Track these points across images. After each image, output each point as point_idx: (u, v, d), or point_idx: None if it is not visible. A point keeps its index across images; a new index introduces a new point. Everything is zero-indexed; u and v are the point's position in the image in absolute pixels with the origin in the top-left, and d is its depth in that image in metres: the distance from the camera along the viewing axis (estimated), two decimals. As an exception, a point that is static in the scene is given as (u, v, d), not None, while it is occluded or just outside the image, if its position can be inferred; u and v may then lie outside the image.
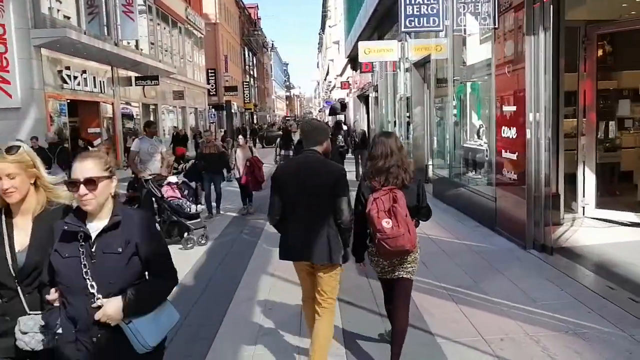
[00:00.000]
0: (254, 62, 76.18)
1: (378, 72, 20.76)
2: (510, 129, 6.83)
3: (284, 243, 3.60)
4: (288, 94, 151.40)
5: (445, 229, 8.10)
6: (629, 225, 7.21)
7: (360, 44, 14.98)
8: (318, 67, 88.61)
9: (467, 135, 9.75)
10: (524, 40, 6.27)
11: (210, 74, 46.60)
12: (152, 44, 28.03)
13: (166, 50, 31.83)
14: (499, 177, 7.35)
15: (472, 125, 9.65)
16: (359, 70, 27.29)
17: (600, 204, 7.56)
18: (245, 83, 62.59)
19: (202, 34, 41.15)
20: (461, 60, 9.76)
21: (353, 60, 28.42)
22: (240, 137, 11.02)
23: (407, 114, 15.20)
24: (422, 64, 13.48)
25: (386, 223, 3.25)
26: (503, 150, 7.10)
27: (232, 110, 49.62)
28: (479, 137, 9.19)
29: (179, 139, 23.88)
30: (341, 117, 41.95)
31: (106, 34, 22.05)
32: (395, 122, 18.08)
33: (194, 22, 37.54)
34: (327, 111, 51.18)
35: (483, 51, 8.64)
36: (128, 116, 25.29)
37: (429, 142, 13.72)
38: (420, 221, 3.69)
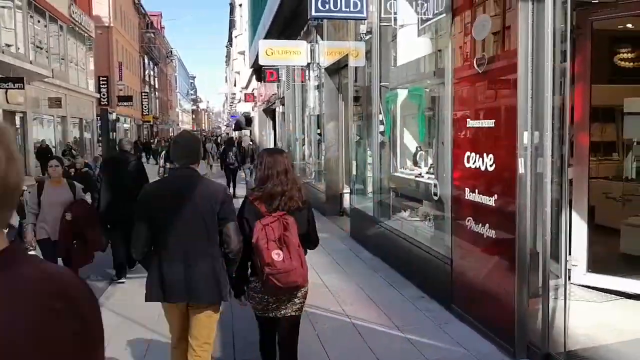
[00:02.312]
0: (156, 72, 71.66)
1: (284, 83, 18.11)
2: (481, 156, 4.29)
3: (156, 281, 3.02)
4: (195, 107, 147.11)
5: (372, 301, 5.48)
6: (635, 298, 4.95)
7: (260, 42, 12.28)
8: (226, 81, 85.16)
9: (397, 160, 7.22)
10: (517, 21, 3.78)
11: (102, 82, 42.24)
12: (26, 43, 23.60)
13: (40, 48, 27.40)
14: (458, 229, 4.80)
15: (405, 147, 7.15)
16: (264, 82, 24.55)
17: (592, 265, 5.25)
18: (144, 94, 58.21)
19: (92, 36, 36.71)
20: (391, 59, 7.27)
21: (258, 71, 25.62)
22: (53, 163, 5.58)
23: (318, 131, 12.61)
24: (336, 70, 10.95)
25: (277, 255, 2.90)
26: (467, 188, 4.55)
27: (116, 122, 45.26)
28: (416, 164, 6.70)
29: (43, 156, 19.80)
30: (247, 132, 39.23)
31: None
32: (304, 139, 15.46)
33: (79, 22, 33.15)
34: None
35: (426, 46, 6.19)
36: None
37: (345, 165, 11.16)
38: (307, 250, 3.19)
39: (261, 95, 28.36)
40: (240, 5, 41.30)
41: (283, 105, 19.66)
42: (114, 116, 41.43)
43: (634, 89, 6.26)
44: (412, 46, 6.40)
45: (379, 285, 6.04)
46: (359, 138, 8.97)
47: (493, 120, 4.12)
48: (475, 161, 4.39)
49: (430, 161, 6.43)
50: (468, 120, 4.50)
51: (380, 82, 7.40)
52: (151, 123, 60.15)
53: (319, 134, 12.51)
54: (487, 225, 4.23)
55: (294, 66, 15.32)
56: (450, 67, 4.87)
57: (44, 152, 20.62)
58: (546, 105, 3.57)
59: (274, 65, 17.73)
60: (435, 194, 5.42)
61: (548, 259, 3.71)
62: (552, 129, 3.60)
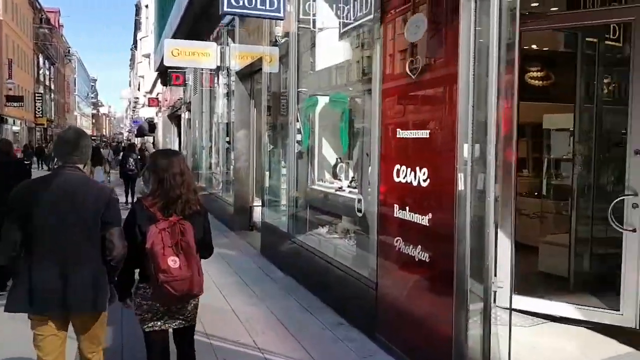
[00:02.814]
0: (52, 72, 66.95)
1: (191, 87, 17.16)
2: (413, 170, 3.86)
3: (23, 289, 2.72)
4: (95, 111, 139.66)
5: (286, 329, 4.90)
6: (561, 322, 4.76)
7: (166, 42, 11.37)
8: (130, 85, 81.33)
9: (315, 172, 6.71)
10: (457, 25, 3.39)
11: (-13, 79, 38.69)
12: None
13: None
14: (385, 250, 4.34)
15: (323, 158, 6.67)
16: (169, 85, 23.31)
17: (517, 287, 5.00)
18: (37, 94, 54.11)
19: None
20: (310, 63, 6.77)
21: (163, 74, 24.31)
22: None
23: (227, 139, 11.88)
24: (248, 74, 10.32)
25: (173, 262, 2.77)
26: (396, 205, 4.10)
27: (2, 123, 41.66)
28: (335, 177, 6.23)
29: None
30: (150, 138, 37.34)
31: None
32: (211, 147, 14.62)
33: (-39, 12, 30.02)
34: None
35: (350, 49, 5.76)
36: None
37: (256, 176, 10.52)
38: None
39: (166, 100, 26.99)
40: (147, 6, 39.49)
41: (189, 111, 18.66)
42: None
43: (545, 107, 6.23)
44: (334, 50, 5.95)
45: (293, 310, 5.46)
46: (273, 147, 8.39)
47: (428, 131, 3.70)
48: (405, 175, 3.96)
49: (351, 174, 5.98)
50: (398, 130, 4.06)
51: (297, 87, 6.88)
52: (45, 126, 56.00)
53: (228, 142, 11.79)
54: (420, 246, 3.80)
55: (202, 70, 14.50)
56: (378, 72, 4.42)
57: None
58: (490, 115, 3.19)
59: (180, 68, 16.77)
60: (360, 210, 4.95)
61: (490, 284, 3.32)
62: (497, 142, 3.22)
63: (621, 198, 4.47)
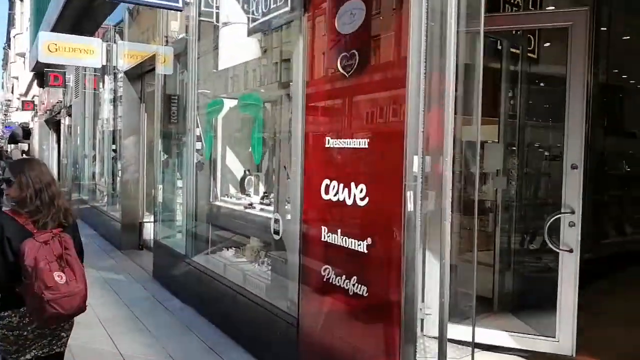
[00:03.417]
0: None
1: (72, 89, 15.47)
2: (347, 186, 3.24)
3: None
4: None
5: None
6: (493, 350, 4.37)
7: (41, 34, 9.98)
8: (2, 87, 74.10)
9: (217, 186, 5.90)
10: (405, 11, 2.83)
11: None
12: None
13: None
14: (309, 280, 3.67)
15: (228, 170, 5.89)
16: (46, 87, 21.10)
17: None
18: None
19: None
20: (213, 61, 5.96)
21: (40, 75, 22.00)
22: None
23: (113, 147, 10.63)
24: (138, 76, 9.26)
25: (59, 278, 2.57)
26: (325, 227, 3.46)
27: None
28: (243, 191, 5.48)
29: None
30: (24, 145, 33.91)
31: None
32: (94, 156, 13.16)
33: None
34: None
35: (263, 43, 5.06)
36: None
37: (146, 189, 9.44)
38: None
39: (43, 104, 24.49)
40: (22, 0, 36.02)
41: (70, 115, 16.87)
42: None
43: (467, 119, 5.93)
44: (242, 46, 5.20)
45: (195, 351, 4.61)
46: (167, 157, 7.44)
47: (366, 140, 3.10)
48: (337, 192, 3.33)
49: (262, 189, 5.27)
50: (327, 139, 3.43)
51: (197, 89, 6.06)
52: None
53: (114, 151, 10.56)
54: (355, 278, 3.18)
55: (86, 70, 13.06)
56: (300, 70, 3.76)
57: None
58: (447, 121, 2.65)
59: (59, 67, 15.09)
60: (276, 232, 4.24)
61: (446, 320, 2.77)
62: (454, 154, 2.69)
63: (557, 216, 4.17)
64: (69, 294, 2.60)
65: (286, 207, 4.21)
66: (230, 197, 5.45)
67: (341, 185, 3.29)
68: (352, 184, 3.19)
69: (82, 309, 2.73)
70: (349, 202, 3.21)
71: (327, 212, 3.45)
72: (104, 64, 10.28)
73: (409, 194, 2.76)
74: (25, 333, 2.69)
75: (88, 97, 13.63)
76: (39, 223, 2.69)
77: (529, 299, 4.98)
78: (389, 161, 2.94)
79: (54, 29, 13.19)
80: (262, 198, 4.98)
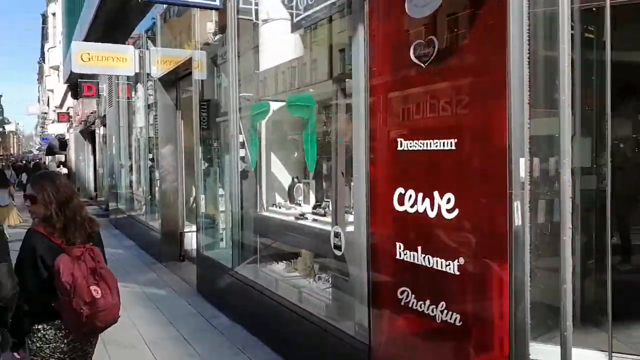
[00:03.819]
0: (-53, 87, 61.23)
1: (106, 99, 15.36)
2: (429, 195, 2.76)
3: None
4: (1, 130, 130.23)
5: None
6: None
7: (74, 45, 9.79)
8: (39, 101, 75.91)
9: (264, 196, 5.48)
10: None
11: None
12: None
13: None
14: (381, 301, 3.21)
15: (274, 177, 5.47)
16: (80, 98, 21.18)
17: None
18: None
19: None
20: (255, 63, 5.54)
21: (74, 87, 22.14)
22: None
23: (150, 156, 10.37)
24: (173, 82, 8.95)
25: (95, 292, 2.56)
26: (401, 244, 2.99)
27: None
28: (292, 200, 5.05)
29: None
30: (61, 157, 34.40)
31: None
32: (131, 166, 12.97)
33: None
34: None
35: (313, 38, 4.63)
36: None
37: (185, 199, 9.14)
38: None
39: (78, 115, 24.66)
40: (54, 14, 36.59)
41: (104, 125, 16.80)
42: None
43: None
44: (288, 40, 4.76)
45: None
46: (208, 165, 7.08)
47: (452, 141, 2.62)
48: (414, 203, 2.86)
49: (312, 197, 4.83)
50: (400, 140, 2.96)
51: (239, 92, 5.67)
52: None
53: (151, 160, 10.29)
54: (444, 303, 2.70)
55: (119, 78, 12.89)
56: (362, 63, 3.30)
57: None
58: (564, 114, 2.16)
59: (92, 77, 15.02)
60: (338, 247, 3.78)
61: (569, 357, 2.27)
62: (572, 153, 2.19)
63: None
64: (105, 307, 2.61)
65: (347, 218, 3.75)
66: (279, 207, 5.04)
67: (420, 194, 2.83)
68: (436, 193, 2.71)
69: (116, 320, 2.77)
70: (432, 214, 2.74)
71: (403, 226, 2.99)
72: (137, 71, 10.04)
73: (516, 205, 2.27)
74: (62, 346, 2.70)
75: (122, 106, 13.46)
76: (67, 238, 2.68)
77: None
78: (485, 165, 2.47)
79: (86, 39, 13.09)
80: (315, 208, 4.54)
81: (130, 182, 13.06)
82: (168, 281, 7.61)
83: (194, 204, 9.42)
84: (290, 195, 5.08)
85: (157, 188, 9.95)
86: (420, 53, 2.81)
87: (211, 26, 6.91)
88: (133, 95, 12.61)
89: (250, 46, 5.69)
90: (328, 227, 4.02)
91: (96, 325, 2.66)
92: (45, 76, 50.22)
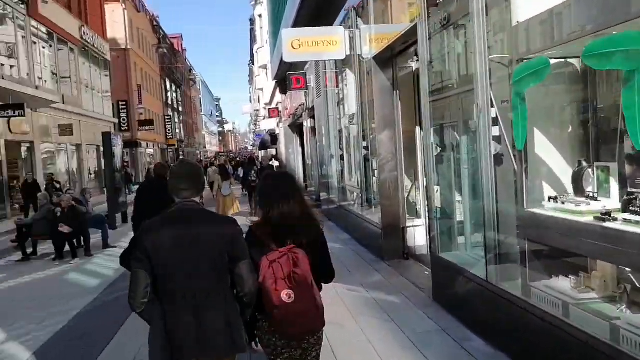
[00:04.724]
0: (179, 95, 70.02)
1: (314, 89, 15.22)
2: None
3: (161, 338, 2.55)
4: (221, 129, 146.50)
5: None
6: None
7: (284, 33, 9.42)
8: (250, 100, 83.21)
9: (536, 186, 4.14)
10: None
11: (121, 106, 40.45)
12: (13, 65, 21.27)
13: (54, 74, 25.28)
14: None
15: (540, 162, 4.10)
16: (288, 93, 21.75)
17: None
18: (167, 117, 56.55)
19: (107, 59, 34.71)
20: (512, 12, 4.21)
21: (282, 82, 22.91)
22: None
23: (364, 143, 9.62)
24: (389, 59, 8.00)
25: (286, 296, 2.54)
26: None
27: (136, 147, 43.21)
28: (579, 192, 3.65)
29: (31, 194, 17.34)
30: (272, 151, 36.63)
31: None
32: (342, 156, 12.49)
33: (92, 44, 31.07)
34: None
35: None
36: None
37: (404, 189, 8.18)
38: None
39: (286, 109, 25.57)
40: (260, 15, 38.95)
41: (312, 118, 16.81)
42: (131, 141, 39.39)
43: None
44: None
45: None
46: (441, 150, 5.95)
47: None
48: None
49: (615, 187, 3.38)
50: None
51: (487, 54, 4.41)
52: (176, 147, 58.23)
53: (366, 148, 9.53)
54: None
55: (325, 66, 12.47)
56: None
57: (31, 189, 17.99)
58: None
59: (300, 69, 14.97)
60: None
61: None
62: None
63: None
64: (295, 313, 2.54)
65: None
66: (561, 202, 3.68)
67: None
68: None
69: (314, 329, 2.69)
70: None
71: None
72: (348, 53, 9.36)
73: None
74: (274, 339, 2.70)
75: (330, 95, 13.07)
76: (276, 239, 2.66)
77: None
78: None
79: (294, 26, 12.94)
80: (627, 204, 3.10)
81: (342, 172, 12.60)
82: (396, 285, 6.71)
83: (410, 196, 8.43)
84: (578, 186, 3.68)
85: (373, 178, 9.17)
86: None
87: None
88: (341, 83, 12.08)
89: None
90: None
91: (290, 330, 2.60)
92: (255, 76, 54.27)
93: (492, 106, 4.37)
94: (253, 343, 2.79)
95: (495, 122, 4.36)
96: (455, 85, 5.56)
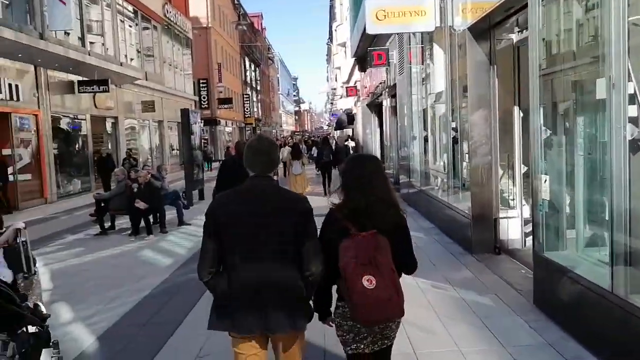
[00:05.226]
0: (257, 74, 70.77)
1: (396, 66, 14.40)
2: None
3: (224, 308, 2.63)
4: (297, 108, 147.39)
5: None
6: None
7: (368, 3, 8.72)
8: (327, 80, 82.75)
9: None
10: None
11: (201, 84, 41.26)
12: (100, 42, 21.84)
13: (138, 52, 25.92)
14: None
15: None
16: (368, 71, 20.95)
17: None
18: (245, 95, 57.27)
19: (189, 37, 35.28)
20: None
21: (361, 60, 22.15)
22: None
23: (453, 125, 8.81)
24: (485, 30, 7.14)
25: (367, 282, 2.46)
26: None
27: (216, 125, 43.90)
28: None
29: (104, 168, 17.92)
30: (349, 130, 35.98)
31: (28, 22, 16.24)
32: (426, 137, 11.69)
33: (175, 22, 31.61)
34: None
35: None
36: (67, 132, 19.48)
37: (498, 176, 7.35)
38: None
39: (365, 87, 24.79)
40: (340, -9, 38.08)
41: (393, 96, 16.01)
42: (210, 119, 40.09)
43: None
44: None
45: None
46: (551, 134, 5.12)
47: None
48: None
49: None
50: None
51: (626, 14, 3.58)
52: (253, 125, 59.00)
53: (454, 130, 8.73)
54: None
55: (410, 41, 11.64)
56: None
57: (103, 163, 18.60)
58: None
59: (383, 44, 14.20)
60: None
61: None
62: None
63: None
64: (376, 299, 2.44)
65: None
66: None
67: None
68: None
69: (393, 316, 2.60)
70: None
71: None
72: (437, 25, 8.55)
73: None
74: (358, 325, 2.63)
75: (414, 71, 12.24)
76: (357, 223, 2.57)
77: None
78: None
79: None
80: None
81: (425, 154, 11.83)
82: (488, 284, 5.97)
83: (501, 183, 7.60)
84: None
85: (463, 162, 8.38)
86: None
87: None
88: (427, 59, 11.24)
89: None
90: None
91: (368, 316, 2.50)
92: (333, 55, 53.68)
93: (630, 80, 3.55)
94: (328, 320, 2.76)
95: (632, 100, 3.55)
96: (574, 56, 4.71)
